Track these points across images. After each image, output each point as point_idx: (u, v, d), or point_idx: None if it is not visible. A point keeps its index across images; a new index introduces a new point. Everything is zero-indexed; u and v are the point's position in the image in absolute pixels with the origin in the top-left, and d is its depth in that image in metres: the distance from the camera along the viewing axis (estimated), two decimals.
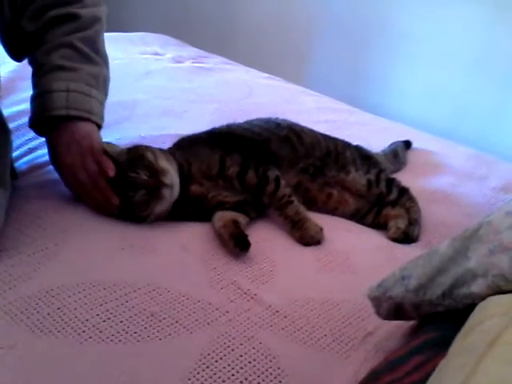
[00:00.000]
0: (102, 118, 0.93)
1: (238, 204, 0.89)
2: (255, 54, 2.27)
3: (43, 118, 0.89)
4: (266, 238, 0.86)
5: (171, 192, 0.84)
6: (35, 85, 0.92)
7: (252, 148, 0.94)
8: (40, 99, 0.90)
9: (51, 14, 0.90)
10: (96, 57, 0.94)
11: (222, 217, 0.85)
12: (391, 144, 1.25)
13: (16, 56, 1.00)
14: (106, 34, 1.00)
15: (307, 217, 0.88)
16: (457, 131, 1.76)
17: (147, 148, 0.88)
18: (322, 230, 0.87)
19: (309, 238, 0.86)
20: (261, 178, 0.89)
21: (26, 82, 1.34)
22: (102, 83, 0.93)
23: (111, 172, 0.85)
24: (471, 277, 0.54)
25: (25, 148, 1.09)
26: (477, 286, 0.53)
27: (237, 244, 0.80)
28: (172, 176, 0.85)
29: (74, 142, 0.88)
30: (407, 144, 1.29)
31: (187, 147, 0.95)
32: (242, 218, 0.86)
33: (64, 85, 0.88)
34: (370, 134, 1.37)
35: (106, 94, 0.95)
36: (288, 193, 0.90)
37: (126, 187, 0.84)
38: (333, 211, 0.98)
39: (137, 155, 0.86)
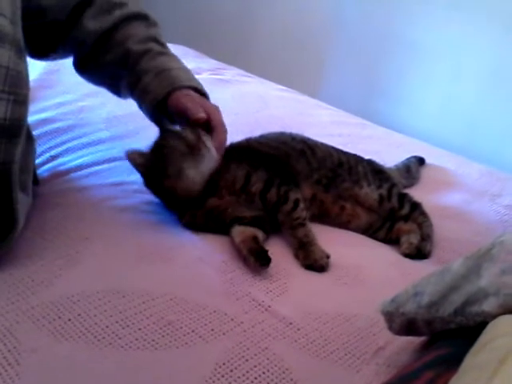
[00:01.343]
0: None
1: (256, 219, 0.90)
2: (271, 67, 2.30)
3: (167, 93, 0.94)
4: (281, 252, 0.88)
5: (209, 157, 0.88)
6: (143, 69, 0.96)
7: (276, 165, 0.96)
8: (157, 76, 0.95)
9: (117, 14, 0.97)
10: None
11: (241, 232, 0.87)
12: (406, 159, 1.26)
13: (43, 54, 1.03)
14: None
15: (316, 242, 0.87)
16: (471, 147, 1.76)
17: None
18: (328, 257, 0.86)
19: (312, 261, 0.85)
20: (281, 197, 0.91)
21: (48, 91, 1.38)
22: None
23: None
24: (483, 295, 0.55)
25: (46, 155, 1.12)
26: (488, 305, 0.54)
27: (257, 259, 0.81)
28: (211, 146, 0.89)
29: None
30: (421, 160, 1.30)
31: None
32: (260, 234, 0.87)
33: (176, 63, 0.98)
34: (383, 148, 1.38)
35: None
36: (303, 216, 0.90)
37: (170, 140, 0.88)
38: (345, 224, 0.99)
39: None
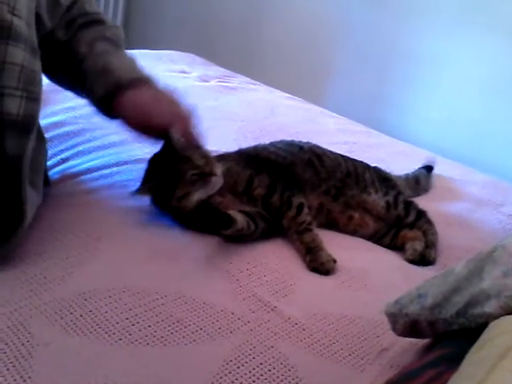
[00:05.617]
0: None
1: (252, 212, 0.90)
2: (278, 75, 2.33)
3: (110, 90, 0.91)
4: (288, 254, 0.89)
5: (216, 184, 0.88)
6: (84, 70, 0.93)
7: (279, 172, 0.97)
8: (98, 75, 0.91)
9: (79, 22, 0.96)
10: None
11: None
12: (416, 169, 1.27)
13: (52, 73, 1.02)
14: (134, 51, 1.06)
15: (323, 246, 0.88)
16: (475, 157, 1.78)
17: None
18: (335, 261, 0.87)
19: (319, 265, 0.86)
20: (284, 202, 0.92)
21: (60, 95, 1.41)
22: None
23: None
24: (485, 297, 0.56)
25: (57, 158, 1.14)
26: (490, 306, 0.55)
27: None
28: (220, 171, 0.89)
29: (158, 91, 0.92)
30: (429, 168, 1.31)
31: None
32: (241, 218, 0.86)
33: (119, 60, 0.93)
34: (389, 156, 1.40)
35: None
36: (308, 220, 0.91)
37: (179, 164, 0.88)
38: (352, 233, 1.00)
39: (193, 145, 0.92)
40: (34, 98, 0.78)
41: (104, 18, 1.01)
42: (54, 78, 1.03)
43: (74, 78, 0.97)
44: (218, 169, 0.89)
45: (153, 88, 0.93)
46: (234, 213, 0.86)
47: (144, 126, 0.93)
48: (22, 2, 0.76)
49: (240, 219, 0.85)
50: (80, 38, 0.95)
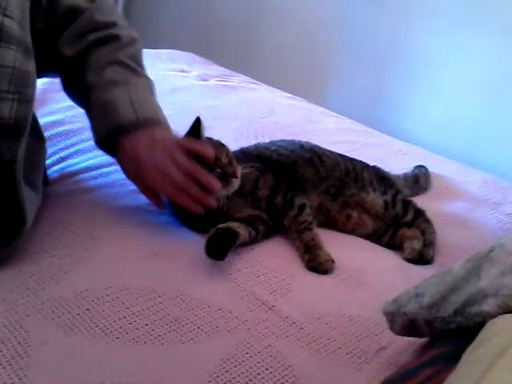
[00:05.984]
0: (166, 120, 0.93)
1: (251, 218, 0.90)
2: (277, 74, 2.32)
3: (112, 132, 0.88)
4: (286, 253, 0.89)
5: (235, 186, 0.88)
6: (91, 103, 0.91)
7: (283, 172, 0.98)
8: (103, 113, 0.89)
9: (90, 39, 0.91)
10: (142, 71, 0.96)
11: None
12: (415, 168, 1.27)
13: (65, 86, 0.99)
14: None
15: (322, 246, 0.88)
16: (474, 156, 1.78)
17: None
18: (333, 261, 0.87)
19: (317, 264, 0.86)
20: (287, 202, 0.92)
21: (59, 94, 1.40)
22: (155, 93, 0.96)
23: (210, 153, 0.86)
24: (482, 296, 0.56)
25: (56, 157, 1.14)
26: (487, 305, 0.55)
27: (208, 248, 0.80)
28: (240, 173, 0.89)
29: (155, 143, 0.86)
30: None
31: None
32: (243, 231, 0.86)
33: (125, 94, 0.88)
34: (388, 155, 1.40)
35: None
36: (309, 220, 0.92)
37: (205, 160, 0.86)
38: (350, 232, 1.00)
39: (219, 143, 0.92)
40: (26, 100, 0.77)
41: (119, 30, 0.94)
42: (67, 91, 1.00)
43: (84, 107, 0.95)
44: (239, 171, 0.89)
45: (151, 131, 0.88)
46: (236, 225, 0.86)
47: (137, 181, 0.90)
48: (14, 3, 0.75)
49: (243, 232, 0.86)
50: (89, 62, 0.91)
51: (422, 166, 1.29)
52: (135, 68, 0.94)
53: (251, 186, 0.93)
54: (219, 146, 0.92)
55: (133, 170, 0.89)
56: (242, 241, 0.85)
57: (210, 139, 0.93)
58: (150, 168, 0.85)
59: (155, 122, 0.89)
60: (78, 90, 0.95)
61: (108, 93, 0.88)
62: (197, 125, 0.92)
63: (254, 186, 0.93)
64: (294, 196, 0.94)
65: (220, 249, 0.81)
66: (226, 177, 0.87)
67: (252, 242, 0.89)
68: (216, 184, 0.85)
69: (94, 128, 0.92)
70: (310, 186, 0.99)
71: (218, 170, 0.87)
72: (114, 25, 0.95)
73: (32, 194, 0.84)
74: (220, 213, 0.90)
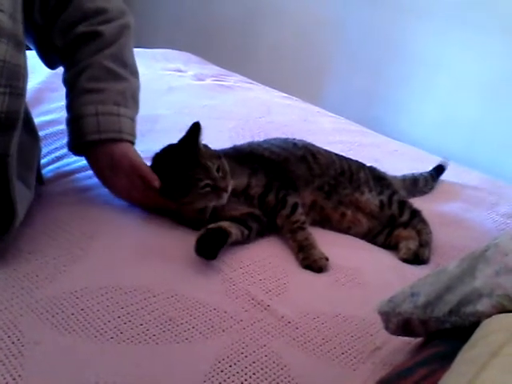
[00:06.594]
0: (133, 134, 0.96)
1: (245, 216, 0.90)
2: (274, 74, 2.33)
3: (80, 143, 0.94)
4: (281, 253, 0.89)
5: (224, 200, 0.88)
6: (68, 108, 0.96)
7: (274, 170, 0.98)
8: (73, 124, 0.94)
9: (78, 31, 0.93)
10: (123, 72, 0.96)
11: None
12: (433, 169, 1.28)
13: (50, 65, 1.04)
14: None
15: (315, 245, 0.89)
16: (470, 156, 1.78)
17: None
18: (327, 259, 0.87)
19: (311, 262, 0.86)
20: (279, 201, 0.92)
21: (55, 94, 1.40)
22: (129, 98, 0.96)
23: (156, 183, 0.91)
24: (477, 296, 0.56)
25: (51, 156, 1.13)
26: (482, 305, 0.55)
27: (198, 248, 0.81)
28: (231, 188, 0.89)
29: (114, 165, 0.92)
30: (439, 169, 1.30)
31: None
32: (235, 230, 0.86)
33: (93, 109, 0.92)
34: (383, 155, 1.40)
35: (135, 106, 0.98)
36: (302, 220, 0.92)
37: (198, 172, 0.87)
38: (346, 230, 1.00)
39: (215, 155, 0.91)
40: (18, 94, 0.76)
41: (105, 24, 0.95)
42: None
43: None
44: (231, 186, 0.89)
45: (111, 152, 0.92)
46: (227, 224, 0.86)
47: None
48: None
49: (235, 231, 0.86)
50: (72, 60, 0.95)
51: (435, 169, 1.28)
52: (115, 71, 0.95)
53: (245, 185, 0.93)
54: (214, 157, 0.91)
55: (101, 180, 0.96)
56: (234, 239, 0.85)
57: (207, 148, 0.93)
58: (113, 190, 0.95)
59: (118, 140, 0.93)
60: (63, 80, 0.98)
61: (79, 102, 0.93)
62: (195, 131, 0.91)
63: (246, 185, 0.93)
64: (287, 195, 0.94)
65: (210, 248, 0.81)
66: (217, 190, 0.87)
67: (246, 240, 0.89)
68: (170, 205, 0.91)
69: (67, 133, 0.97)
70: (303, 182, 0.99)
71: (207, 182, 0.87)
72: (104, 11, 0.96)
73: (24, 190, 0.84)
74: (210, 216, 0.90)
